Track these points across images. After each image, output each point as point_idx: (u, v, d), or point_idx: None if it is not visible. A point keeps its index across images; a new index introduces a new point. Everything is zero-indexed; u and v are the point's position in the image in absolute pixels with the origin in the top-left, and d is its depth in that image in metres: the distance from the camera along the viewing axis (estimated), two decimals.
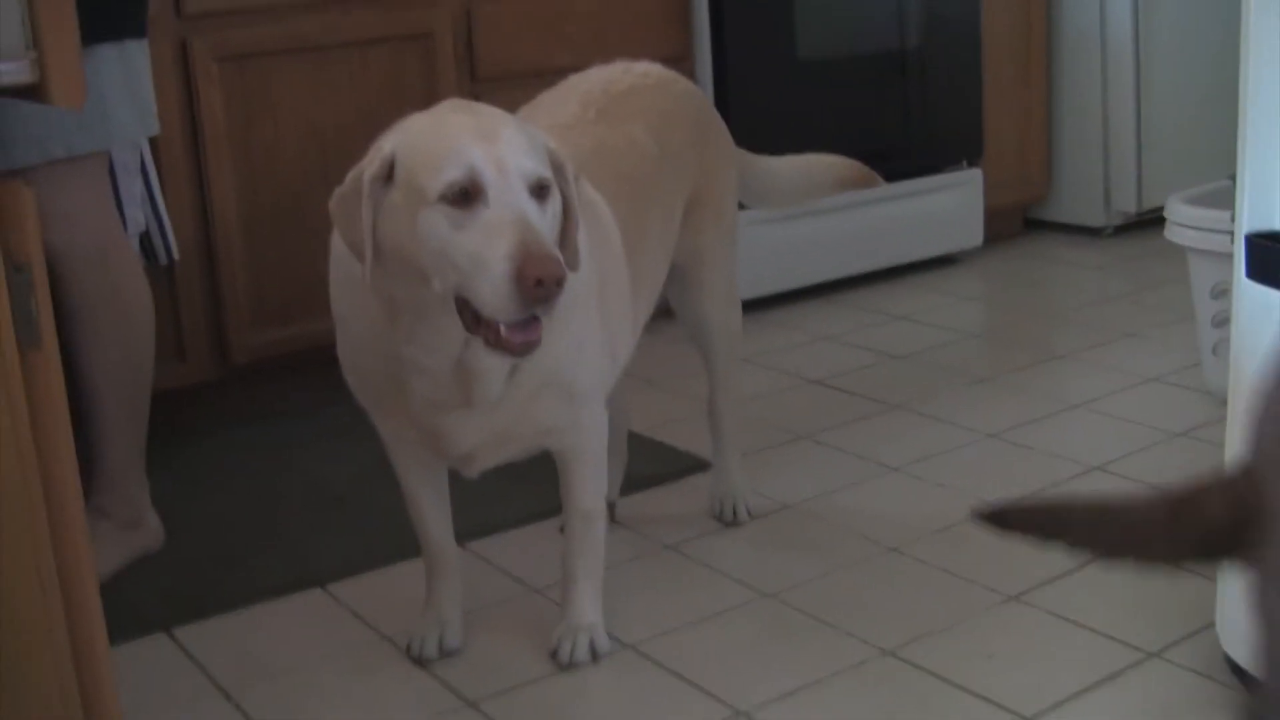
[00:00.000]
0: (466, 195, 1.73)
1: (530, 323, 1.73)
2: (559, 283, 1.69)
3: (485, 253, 1.70)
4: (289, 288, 3.20)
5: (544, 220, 1.77)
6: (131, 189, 2.81)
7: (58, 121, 2.33)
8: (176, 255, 3.03)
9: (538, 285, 1.67)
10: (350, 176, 1.83)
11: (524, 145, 1.79)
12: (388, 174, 1.79)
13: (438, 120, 1.84)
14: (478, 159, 1.74)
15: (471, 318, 1.76)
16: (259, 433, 3.23)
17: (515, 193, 1.74)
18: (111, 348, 2.51)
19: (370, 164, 1.81)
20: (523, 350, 1.76)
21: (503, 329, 1.74)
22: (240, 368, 3.24)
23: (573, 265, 1.86)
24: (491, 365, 1.88)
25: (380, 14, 3.30)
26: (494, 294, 1.70)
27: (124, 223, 2.77)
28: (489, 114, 1.85)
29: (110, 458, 2.54)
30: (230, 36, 3.11)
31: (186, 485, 2.94)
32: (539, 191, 1.78)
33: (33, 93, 1.42)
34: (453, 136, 1.77)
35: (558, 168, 1.84)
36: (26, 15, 1.39)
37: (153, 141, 2.93)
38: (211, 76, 3.09)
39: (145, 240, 2.96)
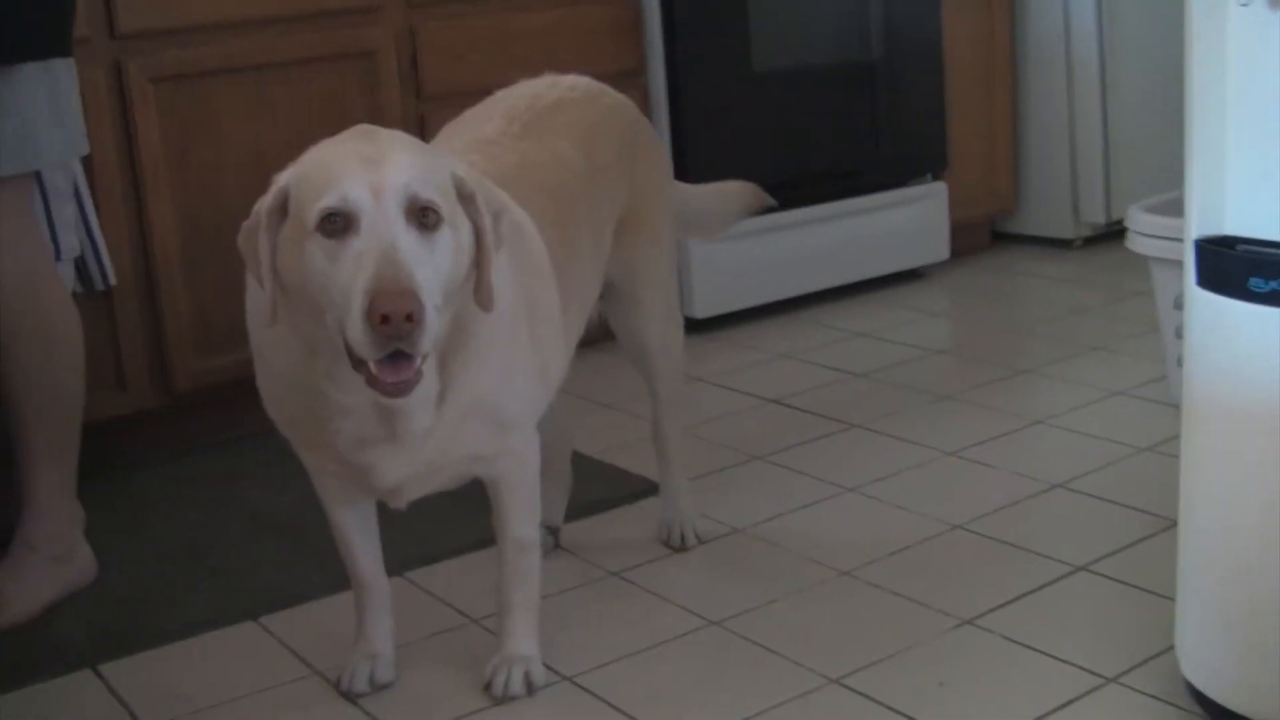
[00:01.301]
0: (341, 224, 1.63)
1: (399, 360, 1.62)
2: (410, 318, 1.57)
3: (350, 286, 1.60)
4: (232, 312, 3.07)
5: (426, 251, 1.65)
6: (64, 213, 2.74)
7: None
8: (113, 280, 2.96)
9: (383, 322, 1.56)
10: (254, 210, 1.74)
11: (412, 171, 1.67)
12: (283, 206, 1.71)
13: (329, 148, 1.74)
14: (353, 186, 1.64)
15: (354, 355, 1.66)
16: (201, 462, 3.16)
17: (388, 221, 1.63)
18: (38, 378, 2.43)
19: (266, 196, 1.73)
20: (394, 391, 1.65)
21: (372, 367, 1.63)
22: (183, 395, 3.16)
23: (484, 304, 1.77)
24: (415, 399, 1.77)
25: (320, 33, 3.23)
26: (353, 330, 1.60)
27: (57, 248, 2.70)
28: (386, 140, 1.73)
29: (38, 489, 2.47)
30: (166, 57, 3.04)
31: (125, 517, 2.86)
32: (423, 219, 1.66)
33: None
34: (336, 164, 1.68)
35: (466, 197, 1.74)
36: None
37: (88, 164, 2.86)
38: (147, 98, 3.02)
39: (81, 265, 2.89)
